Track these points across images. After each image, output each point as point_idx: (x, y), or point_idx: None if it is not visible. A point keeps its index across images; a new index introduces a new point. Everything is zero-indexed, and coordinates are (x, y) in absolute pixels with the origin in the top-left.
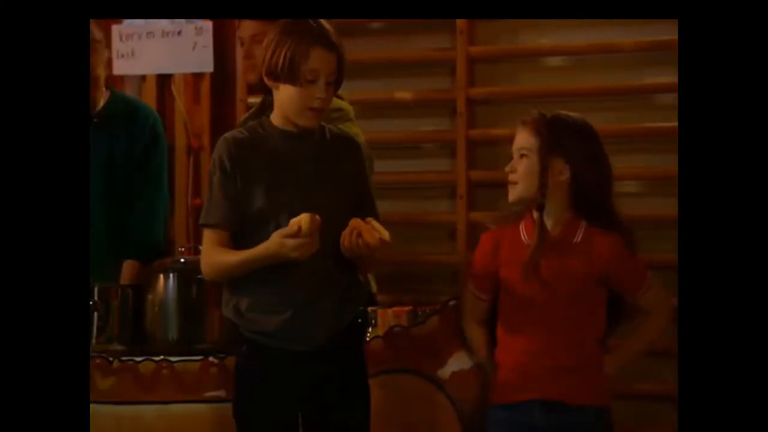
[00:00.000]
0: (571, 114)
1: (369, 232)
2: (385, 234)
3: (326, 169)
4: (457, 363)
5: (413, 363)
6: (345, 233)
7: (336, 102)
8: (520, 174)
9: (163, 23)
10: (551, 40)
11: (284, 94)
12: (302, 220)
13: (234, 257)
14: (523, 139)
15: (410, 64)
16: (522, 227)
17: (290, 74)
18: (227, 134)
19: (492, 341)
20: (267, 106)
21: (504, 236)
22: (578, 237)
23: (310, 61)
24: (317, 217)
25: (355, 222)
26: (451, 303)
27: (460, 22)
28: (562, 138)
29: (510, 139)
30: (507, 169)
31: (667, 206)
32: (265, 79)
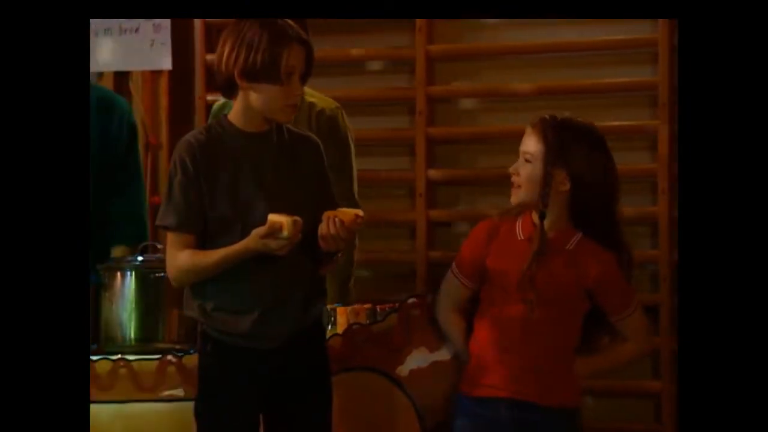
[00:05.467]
0: (580, 121)
1: (342, 213)
2: (358, 210)
3: (287, 169)
4: (415, 360)
5: (372, 361)
6: (322, 225)
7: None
8: (523, 179)
9: (121, 20)
10: (511, 39)
11: (262, 94)
12: (284, 223)
13: (210, 258)
14: (529, 144)
15: (369, 62)
16: (519, 224)
17: (271, 73)
18: (189, 136)
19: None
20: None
21: (500, 228)
22: (571, 245)
23: (290, 58)
24: (299, 219)
25: (329, 213)
26: (410, 301)
27: (419, 20)
28: (566, 148)
29: (470, 138)
30: (511, 170)
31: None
32: (239, 81)
